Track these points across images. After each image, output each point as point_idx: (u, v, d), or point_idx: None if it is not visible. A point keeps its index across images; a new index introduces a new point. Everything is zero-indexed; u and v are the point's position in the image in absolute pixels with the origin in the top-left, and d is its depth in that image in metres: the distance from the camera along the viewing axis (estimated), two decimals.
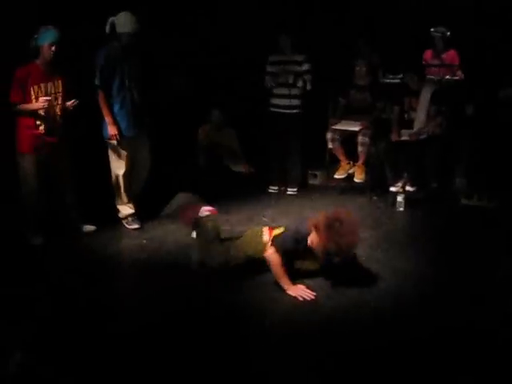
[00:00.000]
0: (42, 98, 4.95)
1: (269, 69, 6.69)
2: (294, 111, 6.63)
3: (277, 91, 6.64)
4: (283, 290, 4.13)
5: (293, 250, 4.19)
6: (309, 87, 6.57)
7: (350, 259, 4.26)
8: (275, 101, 6.69)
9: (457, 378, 3.10)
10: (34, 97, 4.94)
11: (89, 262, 4.79)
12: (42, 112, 5.00)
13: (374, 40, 7.64)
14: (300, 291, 4.09)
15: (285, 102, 6.62)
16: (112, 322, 3.77)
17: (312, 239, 4.10)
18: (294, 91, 6.57)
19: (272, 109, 6.74)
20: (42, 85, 4.99)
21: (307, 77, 6.54)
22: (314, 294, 4.07)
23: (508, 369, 3.14)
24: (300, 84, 6.54)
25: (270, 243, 4.28)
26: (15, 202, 5.19)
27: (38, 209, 5.16)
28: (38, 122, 5.01)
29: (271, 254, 4.18)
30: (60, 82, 5.11)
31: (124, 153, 5.46)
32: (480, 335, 3.50)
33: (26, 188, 5.09)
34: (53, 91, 5.06)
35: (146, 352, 3.35)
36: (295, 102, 6.60)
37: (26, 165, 5.04)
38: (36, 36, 4.92)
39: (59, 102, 5.12)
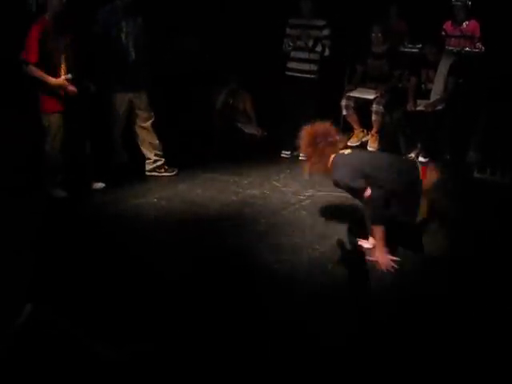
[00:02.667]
0: (63, 77, 4.95)
1: (288, 32, 6.60)
2: (312, 76, 6.56)
3: (295, 55, 6.57)
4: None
5: None
6: (327, 53, 6.49)
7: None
8: (293, 65, 6.62)
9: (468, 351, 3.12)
10: (52, 55, 4.88)
11: (100, 219, 4.82)
12: (63, 71, 4.97)
13: (405, 7, 7.48)
14: (388, 262, 3.96)
15: (304, 66, 6.54)
16: (126, 273, 3.81)
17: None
18: (313, 56, 6.50)
19: (289, 73, 6.67)
20: (55, 41, 4.91)
21: (326, 42, 6.46)
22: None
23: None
24: (319, 49, 6.46)
25: None
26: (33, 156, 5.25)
27: (60, 164, 5.21)
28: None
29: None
30: (70, 37, 5.03)
31: (119, 107, 5.62)
32: (489, 308, 3.52)
33: (51, 145, 5.11)
34: (64, 47, 4.99)
35: (173, 298, 3.43)
36: (314, 66, 6.53)
37: (50, 124, 5.06)
38: None
39: (71, 58, 5.05)
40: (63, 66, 5.00)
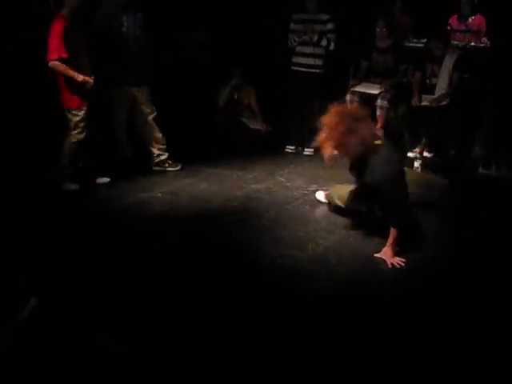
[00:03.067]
0: (87, 78, 5.03)
1: (292, 27, 6.60)
2: (317, 71, 6.57)
3: (300, 49, 6.56)
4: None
5: None
6: (332, 47, 6.49)
7: None
8: (298, 59, 6.62)
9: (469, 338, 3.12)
10: (71, 50, 4.91)
11: (104, 214, 4.83)
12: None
13: (410, 2, 7.46)
14: (396, 260, 3.99)
15: (309, 60, 6.55)
16: (130, 267, 3.82)
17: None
18: (318, 50, 6.49)
19: (294, 67, 6.67)
20: (73, 37, 4.94)
21: (331, 36, 6.46)
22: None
23: None
24: (324, 43, 6.45)
25: None
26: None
27: (77, 157, 5.30)
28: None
29: None
30: (82, 32, 5.08)
31: (122, 102, 5.67)
32: (489, 299, 3.52)
33: (76, 139, 5.20)
34: (81, 42, 5.07)
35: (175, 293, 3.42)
36: (319, 61, 6.53)
37: (76, 119, 5.14)
38: None
39: (85, 53, 5.13)
40: (85, 61, 5.10)
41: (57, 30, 4.84)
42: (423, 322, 3.29)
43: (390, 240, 4.04)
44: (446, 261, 4.09)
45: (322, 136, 3.83)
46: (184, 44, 7.43)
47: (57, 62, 4.89)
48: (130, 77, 5.56)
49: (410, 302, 3.54)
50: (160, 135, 5.84)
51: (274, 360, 2.92)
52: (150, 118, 5.74)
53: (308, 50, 6.52)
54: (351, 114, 3.86)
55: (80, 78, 4.99)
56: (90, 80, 5.06)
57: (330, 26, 6.47)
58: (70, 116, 5.16)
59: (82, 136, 5.21)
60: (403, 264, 3.96)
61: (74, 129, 5.17)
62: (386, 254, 4.04)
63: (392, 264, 3.97)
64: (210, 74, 7.28)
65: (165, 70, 6.43)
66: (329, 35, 6.46)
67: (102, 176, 5.53)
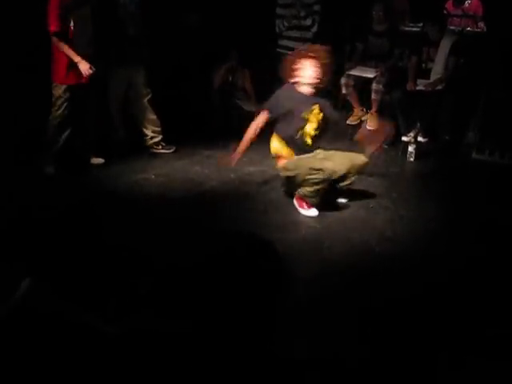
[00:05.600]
0: (88, 70, 4.93)
1: (279, 12, 6.55)
2: None
3: (288, 33, 6.53)
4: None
5: None
6: (315, 29, 6.53)
7: None
8: (285, 42, 6.60)
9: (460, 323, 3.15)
10: (72, 25, 4.85)
11: (98, 195, 4.82)
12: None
13: None
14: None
15: (297, 44, 6.48)
16: (122, 248, 3.82)
17: None
18: (306, 35, 6.49)
19: (281, 50, 6.62)
20: (77, 11, 4.88)
21: (316, 17, 6.50)
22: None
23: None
24: (309, 22, 6.48)
25: None
26: None
27: (57, 139, 5.18)
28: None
29: None
30: (89, 6, 5.02)
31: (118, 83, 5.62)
32: (482, 284, 3.54)
33: (54, 118, 5.08)
34: (86, 18, 4.99)
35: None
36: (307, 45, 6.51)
37: (55, 94, 5.03)
38: None
39: (90, 29, 5.06)
40: (86, 39, 5.02)
41: (53, 2, 4.76)
42: (414, 307, 3.32)
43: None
44: (439, 247, 4.11)
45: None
46: (180, 25, 7.37)
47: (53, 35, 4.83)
48: (127, 58, 5.50)
49: (401, 286, 3.56)
50: (154, 117, 5.81)
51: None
52: (145, 99, 5.71)
53: (295, 33, 6.50)
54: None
55: (77, 58, 4.90)
56: (86, 68, 4.93)
57: (316, 7, 6.47)
58: (53, 90, 5.05)
59: (58, 114, 5.05)
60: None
61: (53, 105, 5.06)
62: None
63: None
64: (205, 56, 7.22)
65: (161, 51, 6.35)
66: (314, 16, 6.46)
67: (97, 157, 5.50)
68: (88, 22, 5.05)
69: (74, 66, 4.96)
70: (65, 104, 5.07)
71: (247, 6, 7.31)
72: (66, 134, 5.19)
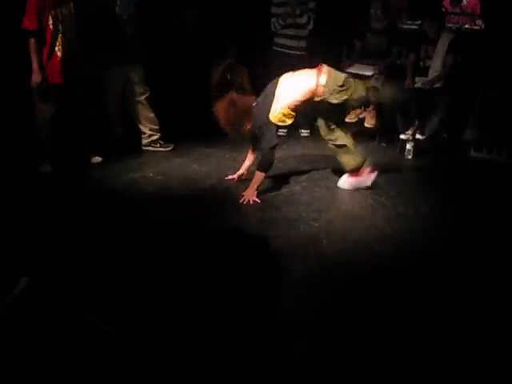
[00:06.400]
0: (35, 82, 4.80)
1: (274, 10, 6.54)
2: (301, 53, 6.53)
3: (283, 31, 6.52)
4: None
5: None
6: (311, 26, 6.51)
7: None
8: (280, 40, 6.58)
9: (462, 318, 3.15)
10: (51, 23, 4.76)
11: (97, 193, 4.81)
12: (59, 42, 4.86)
13: None
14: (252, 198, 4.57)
15: (292, 42, 6.50)
16: (120, 247, 3.81)
17: None
18: (302, 32, 6.48)
19: (277, 48, 6.63)
20: (58, 10, 4.80)
21: (311, 15, 6.48)
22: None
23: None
24: (304, 20, 6.45)
25: None
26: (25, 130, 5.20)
27: (50, 137, 5.14)
28: (56, 49, 4.87)
29: None
30: (71, 5, 4.94)
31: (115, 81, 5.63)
32: (480, 281, 3.55)
33: (41, 116, 5.02)
34: (67, 17, 4.90)
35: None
36: (303, 43, 6.53)
37: (42, 94, 4.94)
38: None
39: (73, 28, 4.98)
40: (60, 38, 4.89)
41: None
42: (413, 304, 3.32)
43: (253, 182, 4.66)
44: (436, 243, 4.12)
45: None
46: (178, 23, 7.35)
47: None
48: (124, 55, 5.50)
49: (399, 284, 3.56)
50: (152, 115, 5.81)
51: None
52: (143, 97, 5.71)
53: (291, 31, 6.48)
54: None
55: (34, 67, 4.76)
56: (34, 79, 4.79)
57: (311, 5, 6.46)
58: (35, 89, 4.93)
59: (44, 117, 4.97)
60: (258, 202, 4.54)
61: (37, 107, 4.97)
62: (248, 193, 4.58)
63: (248, 201, 4.52)
64: (204, 53, 7.20)
65: (159, 48, 6.34)
66: (309, 14, 6.45)
67: (95, 155, 5.48)
68: (71, 20, 4.96)
69: (54, 65, 4.88)
70: (47, 104, 4.94)
71: (245, 3, 7.31)
72: (57, 132, 5.14)
